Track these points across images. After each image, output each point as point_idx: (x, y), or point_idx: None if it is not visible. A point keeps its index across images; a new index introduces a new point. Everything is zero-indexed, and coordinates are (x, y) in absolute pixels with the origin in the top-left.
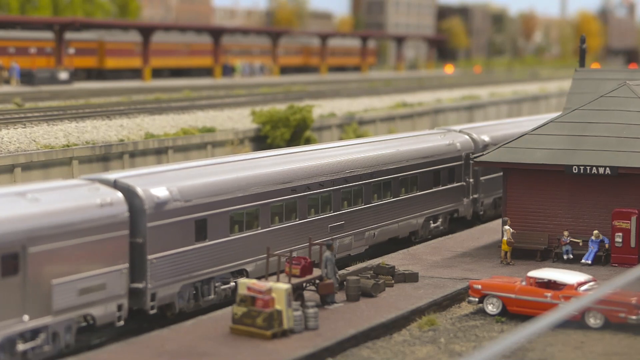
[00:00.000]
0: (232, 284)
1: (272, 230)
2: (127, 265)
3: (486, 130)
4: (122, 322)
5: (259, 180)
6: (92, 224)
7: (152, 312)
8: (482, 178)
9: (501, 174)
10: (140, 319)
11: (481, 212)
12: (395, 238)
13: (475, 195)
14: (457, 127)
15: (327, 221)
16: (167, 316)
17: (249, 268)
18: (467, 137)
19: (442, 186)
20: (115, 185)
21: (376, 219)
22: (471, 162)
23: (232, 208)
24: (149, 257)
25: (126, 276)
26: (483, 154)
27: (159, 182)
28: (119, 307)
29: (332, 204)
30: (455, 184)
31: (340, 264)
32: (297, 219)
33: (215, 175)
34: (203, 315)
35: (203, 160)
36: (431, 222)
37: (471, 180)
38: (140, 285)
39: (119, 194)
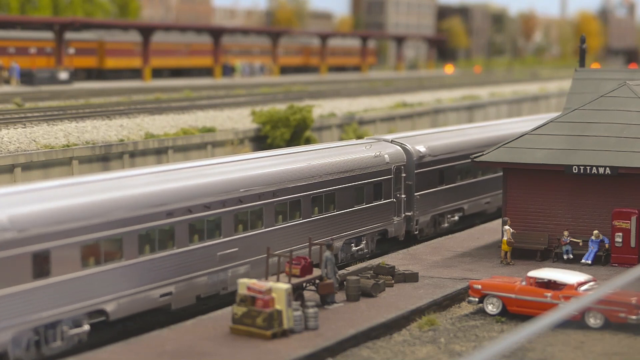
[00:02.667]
0: (87, 327)
1: (140, 263)
2: None
3: (423, 139)
4: None
5: (122, 203)
6: None
7: None
8: (417, 194)
9: (440, 188)
10: (141, 318)
11: (416, 232)
12: None
13: (409, 213)
14: (389, 137)
15: (215, 249)
16: None
17: (109, 307)
18: (398, 147)
19: (367, 204)
20: None
21: (281, 244)
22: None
23: (85, 238)
24: None
25: None
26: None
27: None
28: None
29: (222, 229)
30: (382, 201)
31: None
32: (175, 248)
33: (62, 199)
34: (203, 315)
35: (53, 181)
36: (352, 245)
37: (403, 196)
38: None
39: None
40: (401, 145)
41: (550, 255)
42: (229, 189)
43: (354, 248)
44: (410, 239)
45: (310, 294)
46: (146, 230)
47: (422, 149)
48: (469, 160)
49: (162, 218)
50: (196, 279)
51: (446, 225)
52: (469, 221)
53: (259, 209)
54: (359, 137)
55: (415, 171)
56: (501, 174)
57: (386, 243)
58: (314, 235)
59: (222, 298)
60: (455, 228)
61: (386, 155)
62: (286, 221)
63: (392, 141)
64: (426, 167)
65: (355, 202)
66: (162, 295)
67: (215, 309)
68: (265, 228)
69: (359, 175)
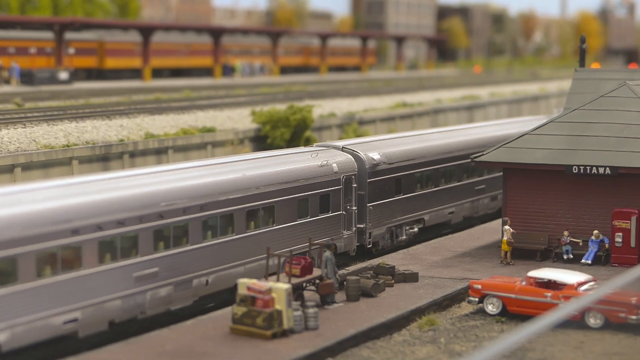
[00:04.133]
0: None
1: (39, 287)
2: None
3: (378, 146)
4: None
5: (17, 220)
6: None
7: None
8: (370, 205)
9: (398, 197)
10: (140, 318)
11: (369, 245)
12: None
13: (361, 226)
14: (341, 143)
15: (131, 269)
16: None
17: (1, 337)
18: (349, 156)
19: (312, 217)
20: None
21: (210, 262)
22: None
23: None
24: None
25: None
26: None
27: None
28: None
29: (139, 247)
30: (330, 214)
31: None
32: (81, 269)
33: None
34: (203, 315)
35: None
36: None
37: (354, 208)
38: None
39: None
40: (353, 152)
41: (550, 255)
42: (147, 203)
43: None
44: (364, 253)
45: (310, 294)
46: (47, 250)
47: (376, 156)
48: (430, 168)
49: (66, 236)
50: (107, 303)
51: (404, 237)
52: (431, 233)
53: (184, 225)
54: (359, 136)
55: (368, 180)
56: (467, 182)
57: (336, 258)
58: (249, 253)
59: (171, 314)
60: (417, 239)
61: (334, 164)
62: (216, 237)
63: (343, 148)
64: (381, 175)
65: (298, 215)
66: (66, 322)
67: (215, 309)
68: (191, 245)
69: (303, 186)
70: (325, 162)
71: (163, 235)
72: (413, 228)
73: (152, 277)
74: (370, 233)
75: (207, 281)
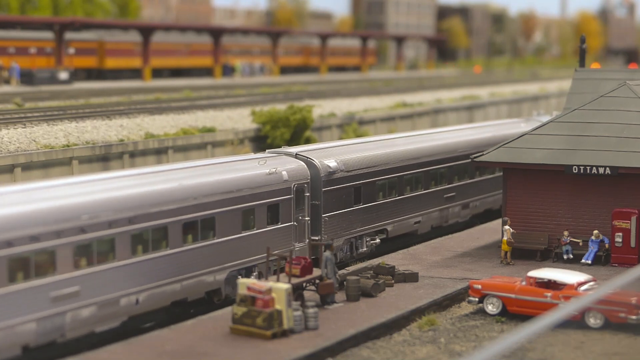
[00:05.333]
0: None
1: None
2: None
3: (336, 152)
4: None
5: None
6: None
7: None
8: (325, 215)
9: (357, 207)
10: (140, 318)
11: None
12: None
13: (316, 238)
14: (294, 150)
15: (47, 288)
16: None
17: None
18: (302, 163)
19: (258, 229)
20: None
21: (141, 279)
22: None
23: None
24: None
25: None
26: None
27: None
28: None
29: (56, 265)
30: (279, 225)
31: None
32: None
33: None
34: (203, 315)
35: None
36: (239, 277)
37: (307, 219)
38: None
39: None
40: (307, 159)
41: (550, 255)
42: (66, 216)
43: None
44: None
45: (310, 294)
46: None
47: (332, 163)
48: (393, 175)
49: None
50: (20, 326)
51: (365, 249)
52: (396, 244)
53: (110, 240)
54: (359, 136)
55: (324, 189)
56: (436, 189)
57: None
58: (186, 268)
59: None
60: (382, 250)
61: (284, 172)
62: (148, 253)
63: (296, 155)
64: (338, 184)
65: (242, 227)
66: None
67: (215, 309)
68: (118, 262)
69: (248, 196)
70: (274, 170)
71: (85, 251)
72: (375, 239)
73: (73, 297)
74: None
75: (137, 300)
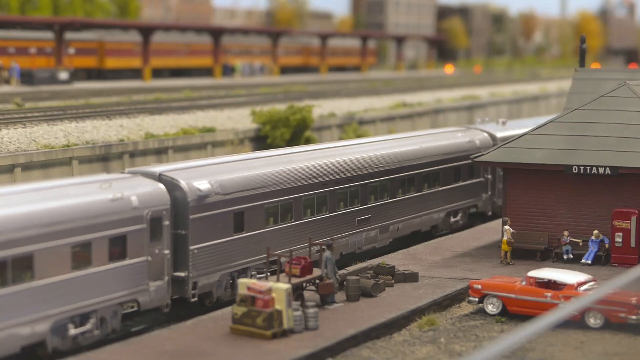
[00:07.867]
0: None
1: None
2: None
3: (211, 172)
4: None
5: None
6: None
7: None
8: (194, 247)
9: (238, 236)
10: (140, 318)
11: (194, 298)
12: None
13: (181, 274)
14: (158, 169)
15: None
16: None
17: None
18: (161, 186)
19: (95, 267)
20: None
21: None
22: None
23: None
24: None
25: None
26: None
27: None
28: None
29: None
30: (126, 261)
31: None
32: None
33: None
34: (203, 315)
35: None
36: (71, 327)
37: (166, 252)
38: None
39: None
40: (171, 181)
41: (550, 255)
42: None
43: (73, 332)
44: (187, 307)
45: (310, 294)
46: None
47: (204, 185)
48: (286, 197)
49: None
50: None
51: None
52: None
53: None
54: (359, 136)
55: (192, 216)
56: (344, 211)
57: (142, 315)
58: (4, 316)
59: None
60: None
61: (134, 197)
62: None
63: (160, 176)
64: (212, 209)
65: (72, 266)
66: None
67: (215, 309)
68: None
69: (81, 227)
70: (120, 195)
71: None
72: (263, 272)
73: None
74: (195, 283)
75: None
